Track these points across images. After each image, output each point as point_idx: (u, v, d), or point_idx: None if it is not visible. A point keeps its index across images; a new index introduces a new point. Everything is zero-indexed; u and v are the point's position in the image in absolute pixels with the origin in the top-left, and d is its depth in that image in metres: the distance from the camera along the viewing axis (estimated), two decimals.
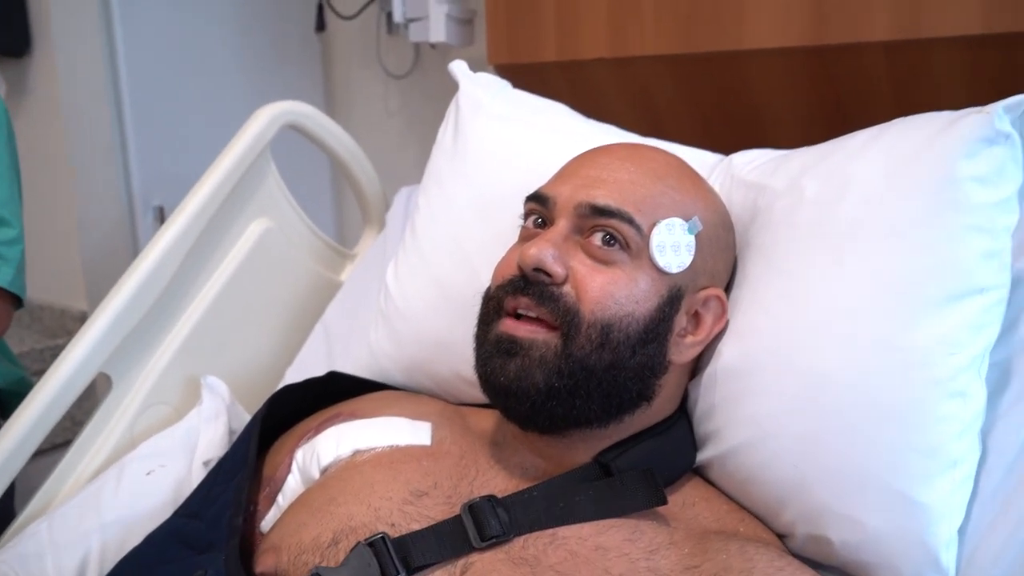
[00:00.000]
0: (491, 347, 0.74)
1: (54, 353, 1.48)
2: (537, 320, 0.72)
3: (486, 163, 0.98)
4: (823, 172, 0.79)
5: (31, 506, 0.97)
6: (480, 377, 0.75)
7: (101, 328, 1.00)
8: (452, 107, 1.06)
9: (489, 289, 0.78)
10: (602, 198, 0.73)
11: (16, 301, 1.26)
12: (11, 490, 1.15)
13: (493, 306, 0.76)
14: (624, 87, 1.36)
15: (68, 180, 1.82)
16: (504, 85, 1.08)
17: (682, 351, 0.76)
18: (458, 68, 1.08)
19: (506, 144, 0.99)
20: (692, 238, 0.74)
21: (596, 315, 0.71)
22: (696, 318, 0.77)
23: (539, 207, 0.77)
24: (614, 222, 0.72)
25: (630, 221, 0.72)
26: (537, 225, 0.78)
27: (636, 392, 0.74)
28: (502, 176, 0.95)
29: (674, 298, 0.74)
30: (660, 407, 0.77)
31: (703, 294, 0.77)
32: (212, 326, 1.13)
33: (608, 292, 0.71)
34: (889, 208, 0.73)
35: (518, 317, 0.74)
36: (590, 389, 0.71)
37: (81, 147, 1.81)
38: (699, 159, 0.95)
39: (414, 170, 1.48)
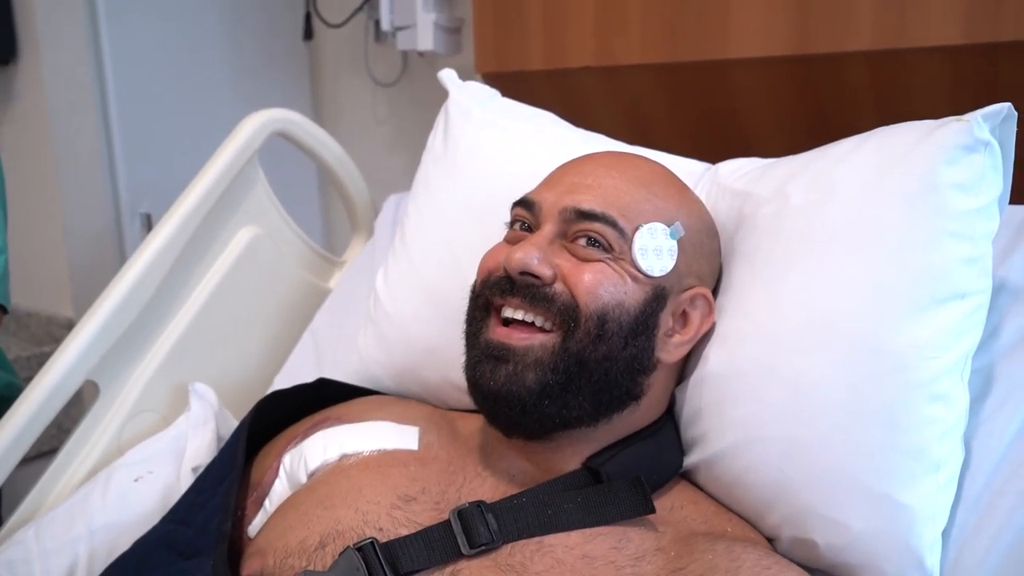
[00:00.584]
0: (480, 352, 0.74)
1: (41, 360, 1.48)
2: (530, 325, 0.73)
3: (476, 170, 0.99)
4: (807, 179, 0.80)
5: (18, 513, 0.97)
6: (468, 380, 0.76)
7: (88, 335, 1.00)
8: (442, 115, 1.07)
9: (475, 285, 0.79)
10: (587, 203, 0.74)
11: (1, 310, 1.26)
12: None
13: (481, 304, 0.77)
14: (611, 96, 1.37)
15: (55, 187, 1.81)
16: (493, 93, 1.09)
17: (670, 350, 0.77)
18: (447, 76, 1.09)
19: (495, 151, 0.99)
20: (674, 243, 0.75)
21: (591, 306, 0.71)
22: (684, 317, 0.78)
23: (525, 212, 0.78)
24: (598, 226, 0.73)
25: (614, 225, 0.73)
26: (523, 229, 0.78)
27: (625, 389, 0.75)
28: (491, 183, 0.96)
29: (659, 297, 0.75)
30: (648, 409, 0.78)
31: (689, 293, 0.77)
32: (200, 333, 1.13)
33: (598, 281, 0.72)
34: (871, 214, 0.74)
35: (507, 323, 0.74)
36: (581, 385, 0.72)
37: (68, 154, 1.81)
38: (686, 168, 0.96)
39: (402, 178, 1.49)
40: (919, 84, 1.11)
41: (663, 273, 0.74)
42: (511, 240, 0.79)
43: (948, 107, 0.79)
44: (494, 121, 1.03)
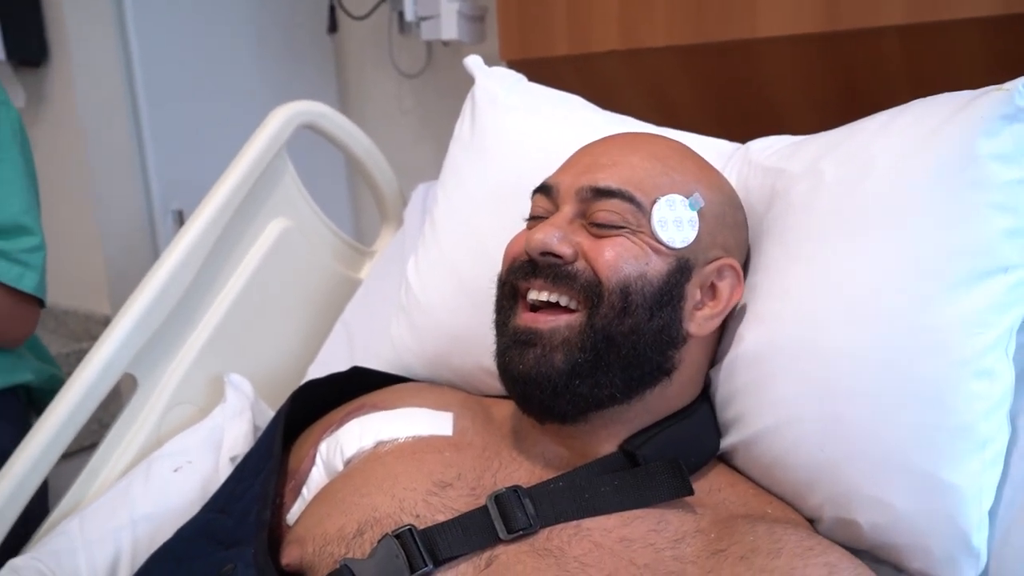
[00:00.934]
0: (509, 339, 0.75)
1: (79, 357, 1.49)
2: (555, 306, 0.73)
3: (504, 156, 0.99)
4: (842, 155, 0.78)
5: (61, 505, 0.98)
6: (499, 367, 0.76)
7: (125, 329, 1.01)
8: (468, 102, 1.06)
9: (501, 274, 0.79)
10: (604, 180, 0.74)
11: (40, 304, 1.28)
12: (46, 493, 1.16)
13: (507, 291, 0.77)
14: (636, 79, 1.35)
15: (88, 187, 1.83)
16: (519, 78, 1.08)
17: (700, 323, 0.76)
18: (473, 63, 1.09)
19: (523, 136, 0.99)
20: (694, 214, 0.74)
21: (613, 280, 0.71)
22: (712, 289, 0.77)
23: (544, 198, 0.78)
24: (616, 202, 0.73)
25: (631, 199, 0.73)
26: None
27: (656, 364, 0.74)
28: (520, 168, 0.95)
29: (683, 268, 0.74)
30: (681, 388, 0.77)
31: (715, 264, 0.77)
32: (234, 325, 1.14)
33: (618, 254, 0.72)
34: (910, 188, 0.72)
35: (535, 309, 0.74)
36: (611, 361, 0.72)
37: (100, 153, 1.83)
38: (715, 148, 0.95)
39: (429, 167, 1.49)
40: (955, 58, 1.08)
41: (684, 244, 0.74)
42: (533, 227, 0.79)
43: (985, 81, 0.77)
44: (521, 106, 1.02)
